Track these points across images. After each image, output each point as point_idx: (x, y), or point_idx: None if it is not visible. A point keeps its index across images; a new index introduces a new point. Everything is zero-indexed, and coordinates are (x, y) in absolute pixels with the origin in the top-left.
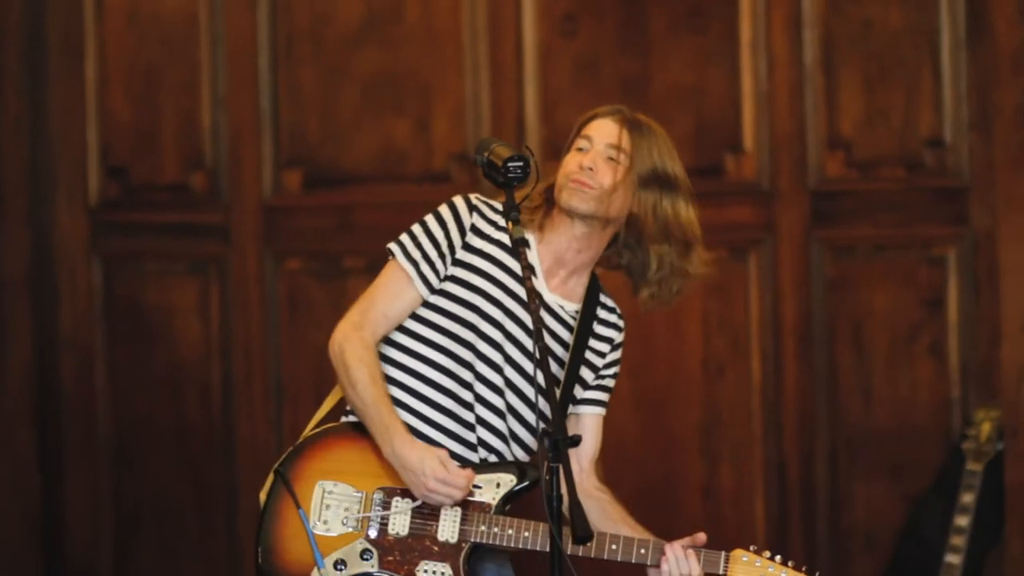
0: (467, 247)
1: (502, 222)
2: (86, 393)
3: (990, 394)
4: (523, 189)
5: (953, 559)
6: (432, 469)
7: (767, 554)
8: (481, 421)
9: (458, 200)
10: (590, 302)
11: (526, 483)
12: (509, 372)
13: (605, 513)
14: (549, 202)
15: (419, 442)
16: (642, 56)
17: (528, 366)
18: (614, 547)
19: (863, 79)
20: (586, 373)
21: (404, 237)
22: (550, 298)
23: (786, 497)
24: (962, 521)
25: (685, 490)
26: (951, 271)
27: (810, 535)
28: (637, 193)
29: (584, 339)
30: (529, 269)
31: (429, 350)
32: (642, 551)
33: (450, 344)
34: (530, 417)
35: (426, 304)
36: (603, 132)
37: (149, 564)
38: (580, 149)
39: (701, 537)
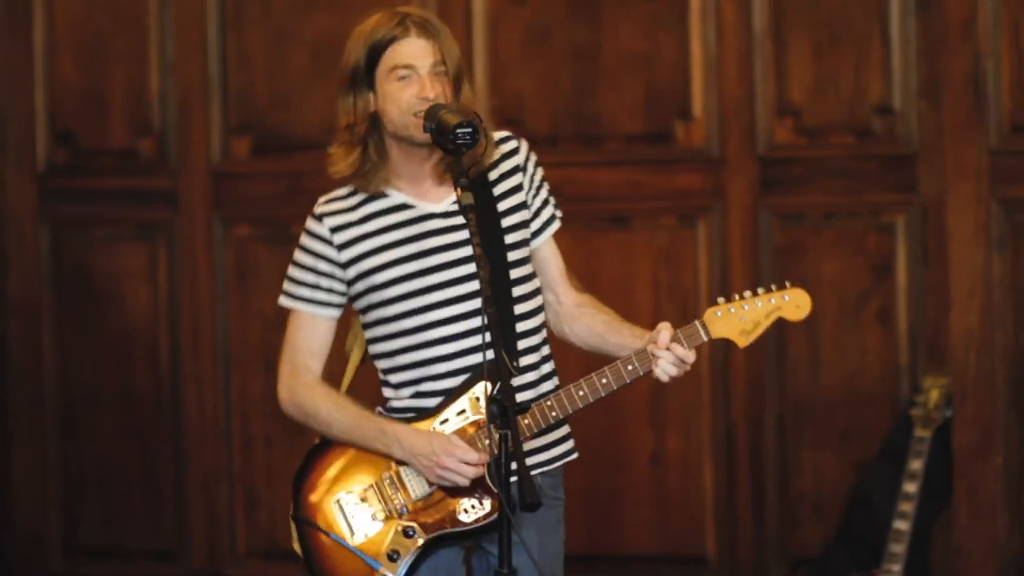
0: (343, 247)
1: (348, 203)
2: (33, 359)
3: (938, 361)
4: (471, 154)
5: (901, 525)
6: (444, 448)
7: (735, 296)
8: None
9: (307, 222)
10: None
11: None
12: (460, 289)
13: (590, 330)
14: (377, 142)
15: (420, 430)
16: (592, 23)
17: (471, 268)
18: (604, 381)
19: (812, 46)
20: (522, 215)
21: (285, 285)
22: (442, 206)
23: (734, 464)
24: (910, 487)
25: (633, 457)
26: (900, 238)
27: (759, 502)
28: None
29: (488, 202)
30: (476, 235)
31: (408, 332)
32: (629, 368)
33: (412, 319)
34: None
35: (366, 309)
36: (421, 53)
37: (96, 530)
38: (402, 78)
39: (665, 327)
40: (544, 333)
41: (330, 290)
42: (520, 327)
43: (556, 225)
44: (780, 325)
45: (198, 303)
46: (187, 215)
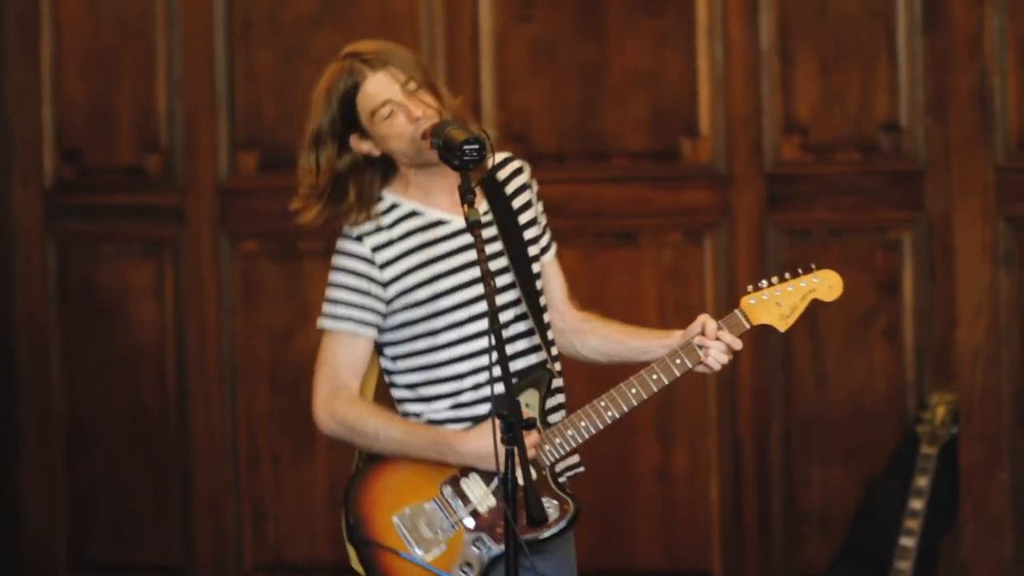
0: (384, 265)
1: (382, 221)
2: (41, 375)
3: (945, 378)
4: (478, 170)
5: (908, 542)
6: (496, 440)
7: (764, 283)
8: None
9: (342, 243)
10: (490, 184)
11: (547, 384)
12: (501, 299)
13: (606, 339)
14: (357, 180)
15: (471, 430)
16: (598, 40)
17: (505, 279)
18: (655, 377)
19: (819, 63)
20: (534, 232)
21: (327, 308)
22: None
23: (741, 480)
24: (917, 504)
25: (639, 472)
26: (907, 255)
27: (765, 518)
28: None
29: (505, 218)
30: (483, 251)
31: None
32: (677, 362)
33: (454, 331)
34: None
35: (402, 326)
36: (384, 87)
37: (104, 545)
38: (388, 116)
39: (707, 318)
40: None
41: (373, 310)
42: (549, 335)
43: (552, 251)
44: (785, 341)
45: (205, 319)
46: (194, 231)
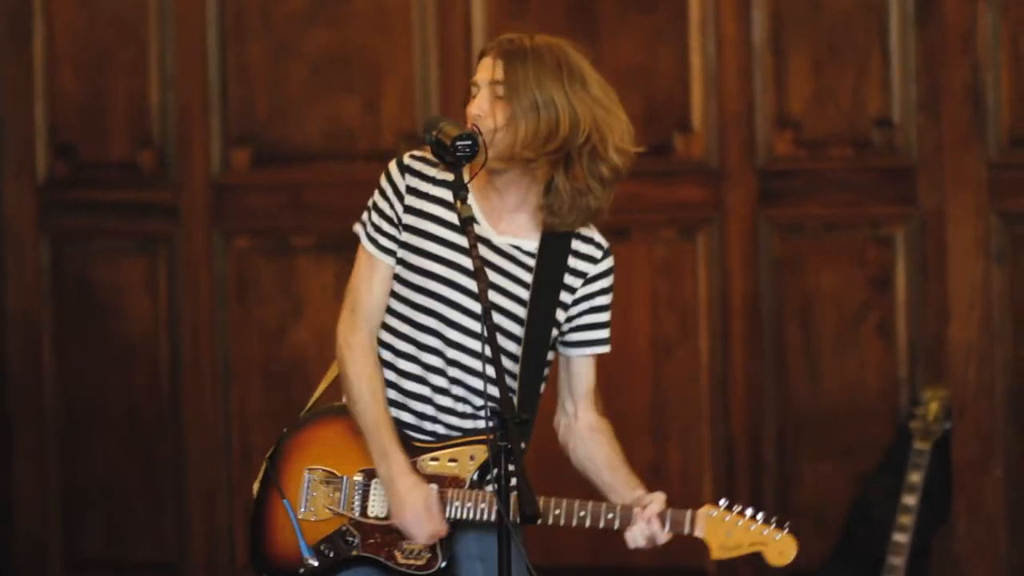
0: (408, 210)
1: (433, 173)
2: (34, 372)
3: (938, 373)
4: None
5: (901, 538)
6: (414, 503)
7: (737, 508)
8: (455, 381)
9: (391, 167)
10: (555, 237)
11: (487, 458)
12: (471, 324)
13: (591, 458)
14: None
15: (413, 475)
16: (591, 36)
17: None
18: (582, 514)
19: (812, 58)
20: (559, 314)
21: (364, 215)
22: (500, 241)
23: (734, 477)
24: (910, 500)
25: (633, 469)
26: (899, 250)
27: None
28: (523, 122)
29: (548, 276)
30: (475, 248)
31: (396, 321)
32: (609, 516)
33: (411, 313)
34: (502, 362)
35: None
36: (484, 70)
37: (97, 542)
38: (472, 96)
39: (660, 497)
40: None
41: (391, 239)
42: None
43: (602, 350)
44: (778, 338)
45: (198, 315)
46: (187, 227)
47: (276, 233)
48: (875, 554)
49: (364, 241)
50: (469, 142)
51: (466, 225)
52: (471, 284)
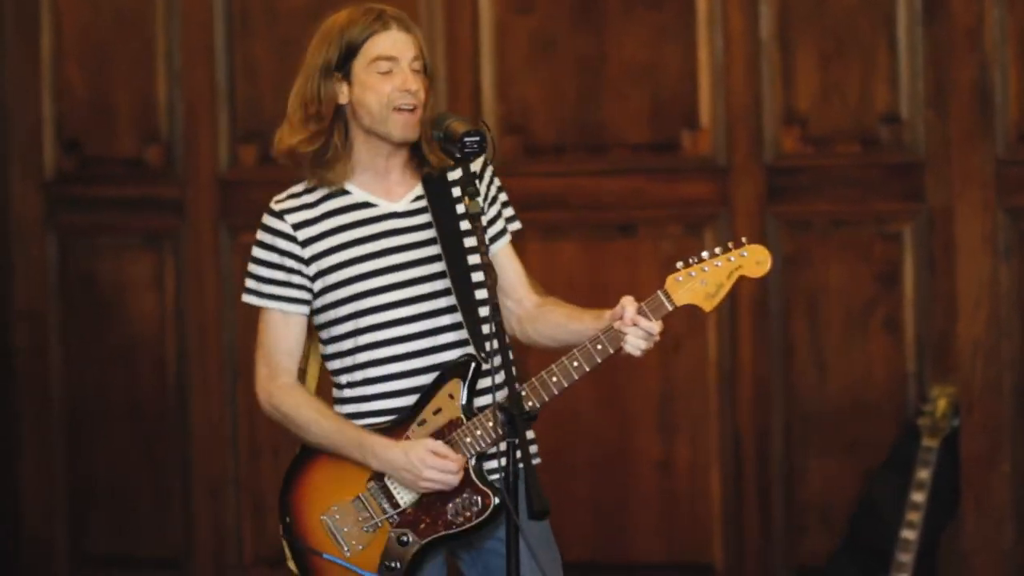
0: (305, 243)
1: (307, 199)
2: (40, 367)
3: (945, 370)
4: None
5: (909, 534)
6: (421, 459)
7: (693, 260)
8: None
9: (265, 219)
10: (428, 179)
11: (471, 374)
12: (422, 288)
13: (552, 324)
14: (344, 131)
15: (399, 441)
16: (598, 32)
17: (433, 267)
18: (576, 364)
19: (819, 54)
20: (467, 225)
21: (251, 283)
22: (402, 205)
23: (742, 472)
24: (918, 497)
25: (640, 464)
26: (907, 247)
27: (765, 510)
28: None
29: (443, 212)
30: (482, 242)
31: (375, 333)
32: (599, 347)
33: (377, 317)
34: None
35: (323, 309)
36: (401, 47)
37: (103, 538)
38: (384, 72)
39: (629, 301)
40: None
41: (300, 287)
42: (486, 329)
43: (515, 227)
44: (785, 333)
45: (205, 311)
46: (194, 223)
47: None
48: (882, 550)
49: (260, 302)
50: (477, 138)
51: (474, 221)
52: (389, 261)
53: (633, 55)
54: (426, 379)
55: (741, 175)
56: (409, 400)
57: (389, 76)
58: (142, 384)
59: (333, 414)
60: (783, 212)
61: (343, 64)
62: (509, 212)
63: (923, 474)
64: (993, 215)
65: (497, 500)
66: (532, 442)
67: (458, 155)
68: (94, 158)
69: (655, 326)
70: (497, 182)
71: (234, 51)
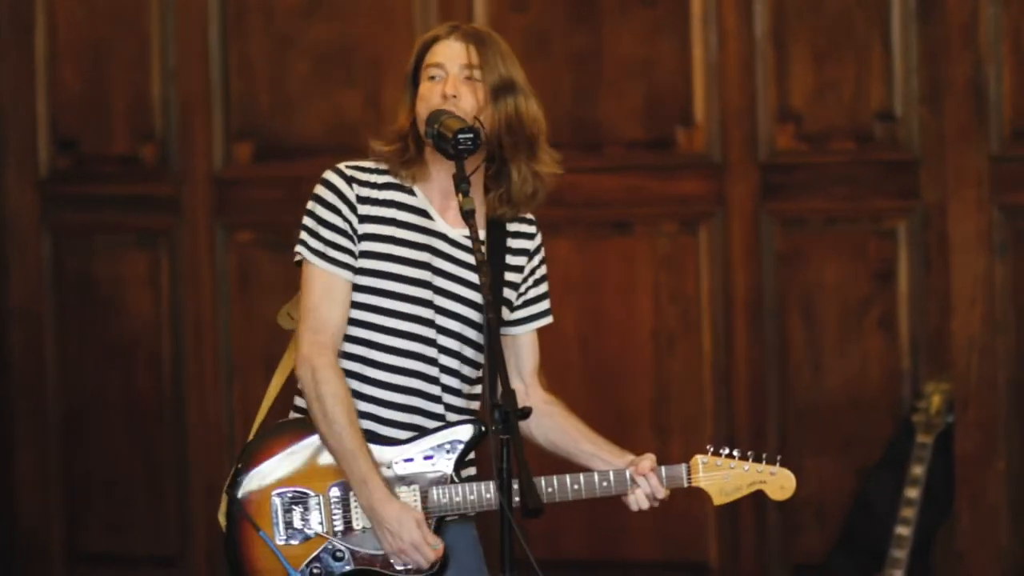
0: (363, 219)
1: (374, 178)
2: (36, 366)
3: (940, 367)
4: (473, 159)
5: (903, 531)
6: (409, 533)
7: (725, 451)
8: (444, 369)
9: (332, 177)
10: (494, 221)
11: (471, 438)
12: (443, 321)
13: (562, 432)
14: (416, 142)
15: (396, 500)
16: (593, 29)
17: (460, 309)
18: (576, 487)
19: (813, 52)
20: (508, 294)
21: (303, 235)
22: (455, 234)
23: None
24: (912, 493)
25: None
26: (901, 244)
27: (760, 509)
28: (492, 106)
29: (494, 261)
30: (478, 241)
31: (375, 333)
32: (604, 484)
33: (385, 320)
34: (470, 354)
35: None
36: (452, 54)
37: (99, 536)
38: (432, 78)
39: (650, 455)
40: None
41: (344, 251)
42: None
43: (546, 321)
44: (781, 331)
45: (200, 309)
46: (189, 221)
47: (278, 227)
48: (878, 547)
49: (315, 260)
50: (471, 135)
51: (468, 219)
52: (424, 275)
53: (628, 52)
54: (403, 399)
55: (736, 172)
56: (382, 411)
57: (436, 83)
58: (138, 382)
59: (358, 428)
60: (778, 209)
61: (414, 74)
62: (548, 304)
63: (917, 470)
64: (988, 212)
65: (439, 563)
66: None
67: (451, 152)
68: (89, 156)
69: (662, 492)
70: (545, 268)
71: (229, 49)
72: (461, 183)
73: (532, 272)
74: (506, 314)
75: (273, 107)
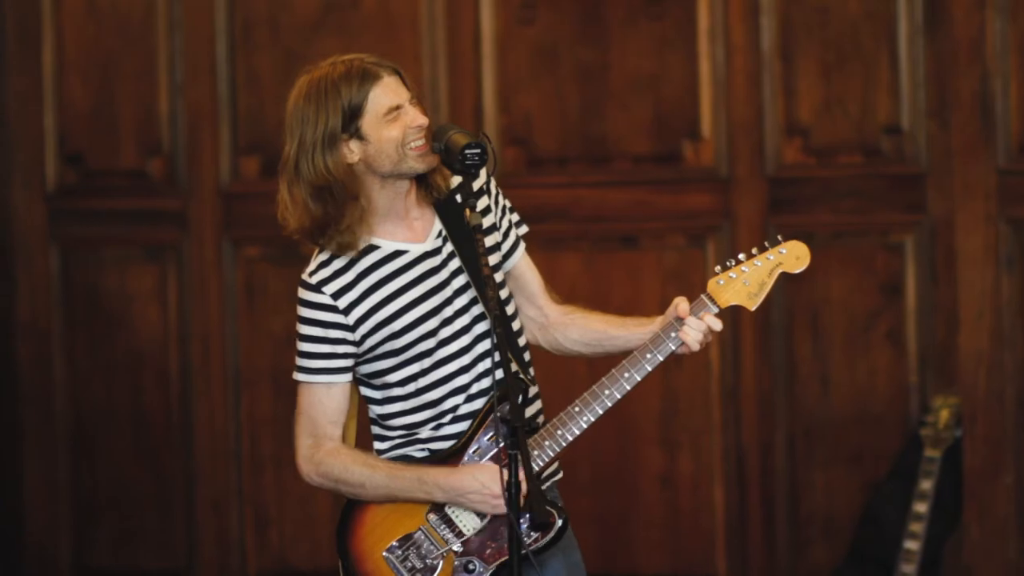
0: (347, 310)
1: (337, 264)
2: (44, 380)
3: (948, 381)
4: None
5: (912, 545)
6: (491, 477)
7: (730, 262)
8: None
9: (303, 293)
10: (440, 204)
11: (524, 395)
12: (465, 319)
13: (588, 329)
14: (334, 198)
15: (460, 467)
16: (600, 44)
17: (469, 309)
18: (648, 355)
19: (820, 66)
20: (492, 240)
21: (300, 361)
22: (429, 244)
23: (745, 485)
24: (921, 507)
25: (643, 478)
26: (909, 258)
27: (769, 523)
28: None
29: (460, 235)
30: (484, 254)
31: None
32: (648, 355)
33: (429, 358)
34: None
35: (377, 358)
36: (399, 89)
37: (107, 550)
38: (395, 119)
39: (682, 299)
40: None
41: (345, 355)
42: (521, 342)
43: (525, 230)
44: (788, 345)
45: (208, 324)
46: (196, 236)
47: (285, 242)
48: (886, 561)
49: (308, 378)
50: (478, 150)
51: (476, 233)
52: (434, 303)
53: (635, 67)
54: (482, 402)
55: (743, 186)
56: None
57: (398, 120)
58: (145, 396)
59: (382, 462)
60: (785, 223)
61: (348, 126)
62: (515, 217)
63: (925, 484)
64: (995, 226)
65: (561, 520)
66: (557, 457)
67: (459, 167)
68: (96, 171)
69: (717, 322)
70: (501, 191)
71: (236, 63)
72: (468, 199)
73: (497, 204)
74: (499, 258)
75: (280, 121)
